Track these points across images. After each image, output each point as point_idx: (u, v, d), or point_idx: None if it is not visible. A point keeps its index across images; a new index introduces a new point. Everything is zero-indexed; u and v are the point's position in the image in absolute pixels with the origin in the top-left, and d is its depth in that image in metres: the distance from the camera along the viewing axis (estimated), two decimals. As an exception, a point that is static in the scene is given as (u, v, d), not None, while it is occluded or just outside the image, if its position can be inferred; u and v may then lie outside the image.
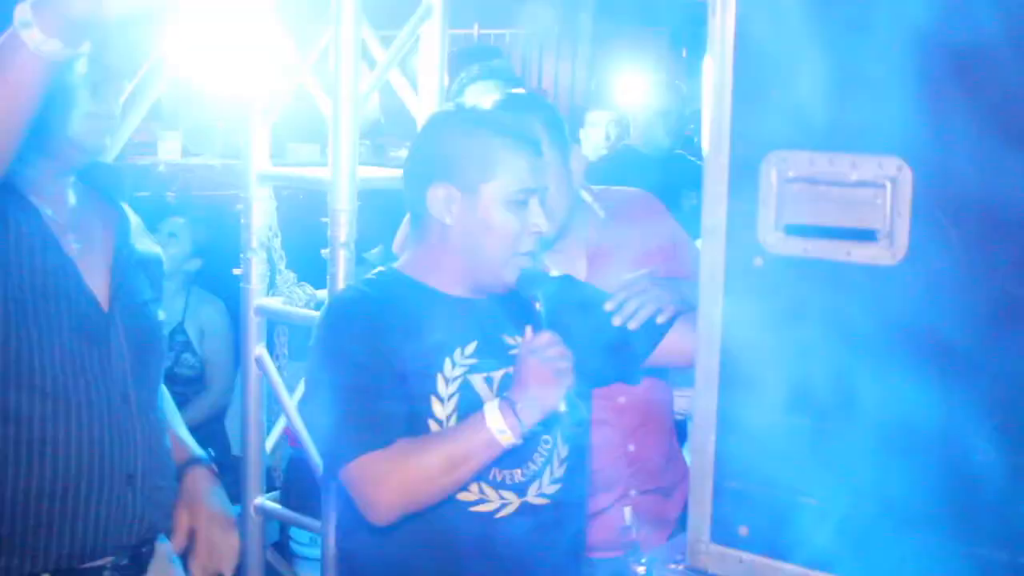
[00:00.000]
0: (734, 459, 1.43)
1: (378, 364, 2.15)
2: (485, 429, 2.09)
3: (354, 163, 2.73)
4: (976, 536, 1.26)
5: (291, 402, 2.97)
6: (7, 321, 1.98)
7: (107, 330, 2.11)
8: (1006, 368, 1.24)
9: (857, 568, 1.33)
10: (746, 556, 1.42)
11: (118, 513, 2.10)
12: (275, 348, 3.10)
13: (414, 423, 2.16)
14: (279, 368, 3.06)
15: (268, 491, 3.12)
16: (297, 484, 3.04)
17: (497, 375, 2.25)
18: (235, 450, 3.69)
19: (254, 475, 3.06)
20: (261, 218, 2.99)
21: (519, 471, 2.23)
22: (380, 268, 2.37)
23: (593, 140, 6.32)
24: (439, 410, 2.19)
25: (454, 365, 2.22)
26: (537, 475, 2.24)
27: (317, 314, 2.83)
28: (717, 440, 1.44)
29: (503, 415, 2.09)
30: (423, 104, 3.01)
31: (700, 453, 1.45)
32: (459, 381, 2.22)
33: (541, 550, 2.19)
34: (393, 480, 2.10)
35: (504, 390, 2.19)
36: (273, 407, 3.11)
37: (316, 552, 3.07)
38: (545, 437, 2.21)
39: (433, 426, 2.18)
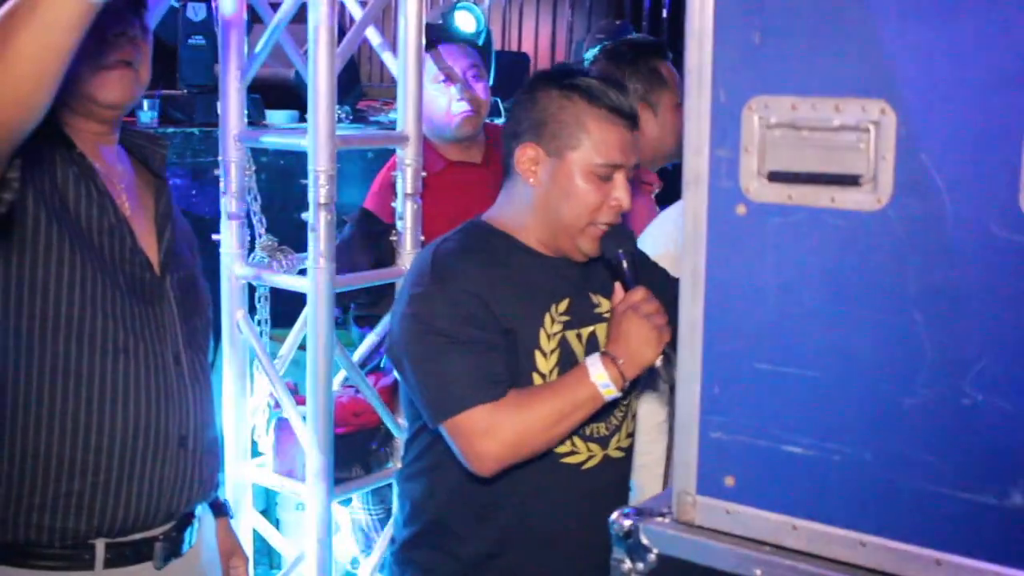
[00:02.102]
0: (719, 410, 1.42)
1: (488, 318, 2.21)
2: (590, 383, 2.18)
3: (332, 124, 2.70)
4: (964, 480, 1.25)
5: (274, 367, 2.95)
6: (68, 278, 1.96)
7: (160, 293, 2.10)
8: (992, 311, 1.23)
9: (846, 515, 1.32)
10: (733, 507, 1.41)
11: (172, 476, 2.11)
12: (256, 313, 3.08)
13: (519, 376, 2.23)
14: (260, 334, 3.04)
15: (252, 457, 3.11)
16: (280, 450, 3.03)
17: (586, 332, 2.33)
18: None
19: (237, 441, 3.04)
20: (239, 182, 2.96)
21: (603, 425, 2.34)
22: (470, 222, 2.41)
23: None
24: (543, 364, 2.27)
25: (553, 321, 2.29)
26: (617, 429, 2.35)
27: (299, 279, 2.83)
28: (702, 391, 1.43)
29: (607, 369, 2.17)
30: (404, 66, 2.97)
31: (685, 404, 1.44)
32: (558, 337, 2.29)
33: (617, 501, 2.23)
34: (505, 432, 2.17)
35: (592, 348, 2.28)
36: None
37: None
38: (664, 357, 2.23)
39: (537, 380, 2.26)
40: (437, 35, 3.60)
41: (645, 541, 1.45)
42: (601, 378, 2.16)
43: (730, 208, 1.39)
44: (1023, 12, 1.18)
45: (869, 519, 1.31)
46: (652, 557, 1.44)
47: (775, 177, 1.35)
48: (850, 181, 1.30)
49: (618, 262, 2.24)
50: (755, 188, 1.37)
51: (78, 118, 2.06)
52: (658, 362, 2.19)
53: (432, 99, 3.48)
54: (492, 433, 2.17)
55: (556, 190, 2.26)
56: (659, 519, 1.46)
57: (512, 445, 2.18)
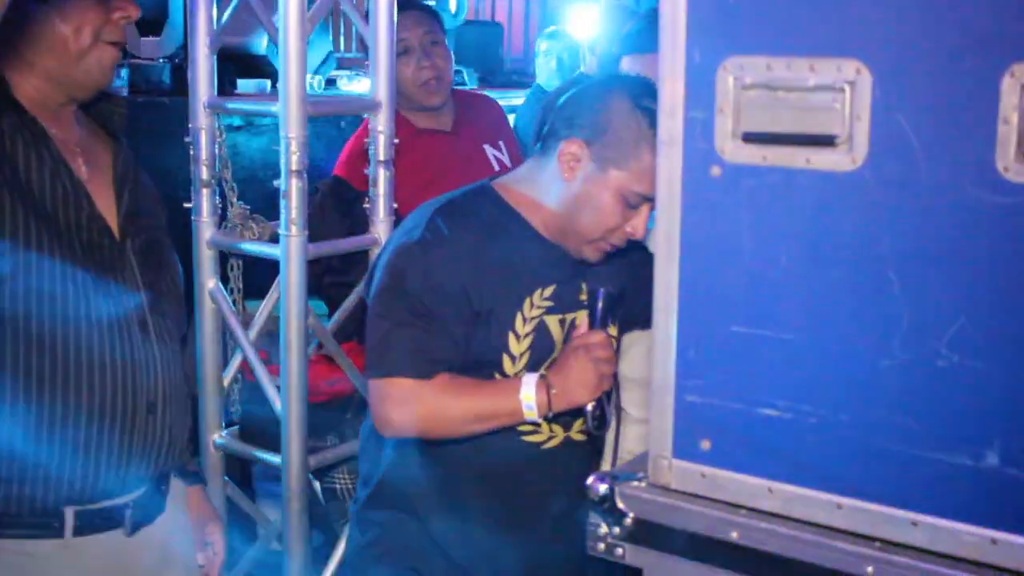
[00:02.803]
0: (694, 373, 1.41)
1: (459, 297, 2.21)
2: (516, 398, 2.19)
3: (303, 90, 2.68)
4: (940, 441, 1.25)
5: (246, 336, 2.93)
6: (23, 247, 1.93)
7: (121, 259, 2.07)
8: (967, 272, 1.22)
9: (822, 478, 1.32)
10: (708, 470, 1.40)
11: (141, 442, 2.09)
12: (229, 282, 3.05)
13: (489, 353, 2.24)
14: (233, 303, 3.02)
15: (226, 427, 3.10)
16: (254, 419, 3.01)
17: (569, 317, 2.33)
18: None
19: (212, 411, 3.03)
20: (210, 149, 2.93)
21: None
22: (479, 185, 2.39)
23: (546, 69, 6.26)
24: (515, 346, 2.27)
25: (532, 305, 2.28)
26: (581, 413, 2.29)
27: (271, 247, 2.81)
28: (677, 354, 1.42)
29: (536, 392, 2.19)
30: (375, 33, 2.95)
31: (660, 368, 1.43)
32: (536, 321, 2.29)
33: (574, 479, 2.24)
34: (418, 410, 2.20)
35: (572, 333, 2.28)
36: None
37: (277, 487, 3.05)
38: (597, 404, 2.25)
39: (507, 361, 2.26)
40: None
41: (621, 505, 1.44)
42: (528, 399, 2.19)
43: (704, 169, 1.38)
44: (998, -29, 1.18)
45: (845, 481, 1.31)
46: (628, 521, 1.44)
47: (750, 138, 1.34)
48: (825, 142, 1.29)
49: (594, 299, 2.26)
50: (730, 149, 1.35)
51: (44, 84, 2.01)
52: (588, 407, 2.22)
53: (396, 69, 3.45)
54: (406, 406, 2.21)
55: (584, 196, 2.24)
56: (635, 483, 1.45)
57: (420, 423, 2.22)
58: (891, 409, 1.28)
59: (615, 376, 2.28)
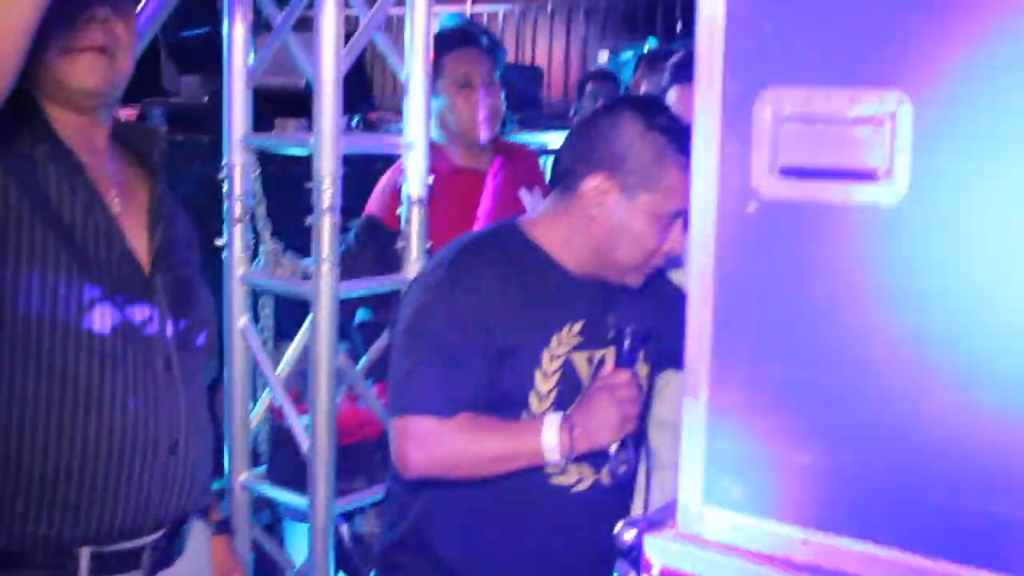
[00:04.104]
0: (727, 417, 1.36)
1: (479, 335, 2.17)
2: (538, 440, 2.15)
3: (338, 127, 2.66)
4: (982, 491, 1.19)
5: (276, 376, 2.90)
6: (51, 279, 1.91)
7: (150, 295, 2.04)
8: (1013, 312, 1.16)
9: (859, 527, 1.26)
10: (740, 518, 1.35)
11: (161, 483, 2.04)
12: (259, 320, 3.03)
13: (516, 393, 2.21)
14: (264, 340, 2.99)
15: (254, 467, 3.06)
16: (282, 460, 2.97)
17: (597, 355, 2.28)
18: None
19: (240, 451, 2.99)
20: (245, 185, 2.91)
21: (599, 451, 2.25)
22: (504, 224, 2.38)
23: (591, 110, 6.25)
24: (541, 384, 2.22)
25: (560, 342, 2.24)
26: (605, 455, 2.25)
27: (303, 284, 2.78)
28: (710, 397, 1.37)
29: (559, 434, 2.14)
30: (410, 75, 2.93)
31: (691, 412, 1.38)
32: (563, 359, 2.25)
33: (603, 523, 2.19)
34: (436, 449, 2.17)
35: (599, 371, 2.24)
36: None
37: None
38: (620, 446, 2.21)
39: (534, 399, 2.22)
40: (458, 39, 3.56)
41: (649, 554, 1.39)
42: (550, 440, 2.14)
43: (740, 206, 1.33)
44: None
45: (883, 531, 1.25)
46: (656, 570, 1.38)
47: (787, 172, 1.30)
48: (866, 176, 1.24)
49: (621, 337, 2.22)
50: (766, 184, 1.31)
51: (61, 110, 2.00)
52: (612, 449, 2.18)
53: (452, 102, 3.46)
54: (425, 446, 2.17)
55: (619, 227, 2.22)
56: (663, 531, 1.40)
57: (440, 464, 2.18)
58: (932, 456, 1.22)
59: (644, 417, 2.24)
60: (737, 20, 1.32)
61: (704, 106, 1.35)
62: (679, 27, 9.21)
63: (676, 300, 2.15)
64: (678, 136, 2.17)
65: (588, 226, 2.24)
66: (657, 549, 1.38)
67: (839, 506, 1.28)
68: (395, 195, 3.03)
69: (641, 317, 2.24)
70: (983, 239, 1.18)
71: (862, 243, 1.25)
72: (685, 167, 2.15)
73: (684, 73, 2.65)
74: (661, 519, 1.42)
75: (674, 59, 2.84)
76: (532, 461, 2.17)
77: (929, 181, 1.20)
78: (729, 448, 1.36)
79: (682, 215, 2.17)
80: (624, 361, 2.21)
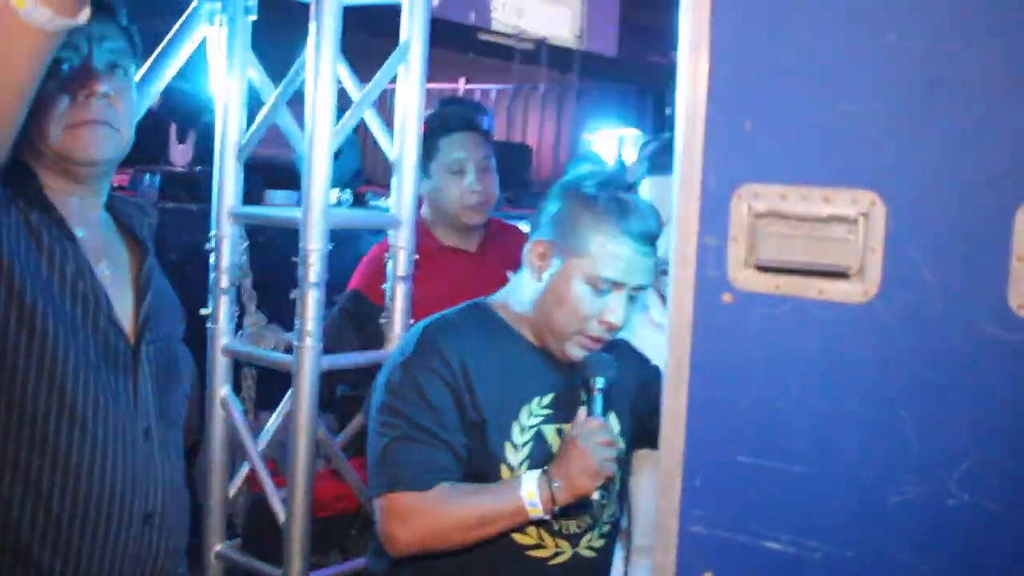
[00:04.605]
0: (699, 503, 1.38)
1: (448, 408, 2.21)
2: (518, 497, 2.18)
3: (326, 201, 2.70)
4: (948, 583, 1.22)
5: (255, 446, 2.91)
6: (38, 344, 1.93)
7: (134, 364, 2.06)
8: (979, 409, 1.20)
9: (824, 616, 1.28)
10: (711, 603, 1.37)
11: (135, 553, 2.05)
12: (241, 391, 3.04)
13: (488, 465, 2.23)
14: (244, 412, 3.00)
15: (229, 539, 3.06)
16: (258, 531, 2.97)
17: (567, 427, 2.30)
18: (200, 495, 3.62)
19: (216, 520, 2.99)
20: (231, 257, 2.95)
21: (575, 522, 2.31)
22: (472, 302, 2.44)
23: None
24: (512, 456, 2.26)
25: (530, 415, 2.28)
26: (590, 528, 2.31)
27: (285, 358, 2.80)
28: (684, 483, 1.39)
29: (539, 488, 2.17)
30: (401, 151, 2.98)
31: (666, 496, 1.40)
32: (533, 430, 2.28)
33: None
34: (419, 523, 2.19)
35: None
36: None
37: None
38: (603, 493, 2.23)
39: (505, 471, 2.26)
40: (455, 123, 3.61)
41: (621, 637, 1.40)
42: (531, 496, 2.17)
43: (716, 296, 1.37)
44: (1011, 113, 1.17)
45: (850, 621, 1.27)
46: (627, 653, 1.40)
47: (763, 267, 1.33)
48: (838, 273, 1.28)
49: (589, 388, 2.24)
50: (742, 277, 1.34)
51: (59, 180, 2.04)
52: (595, 495, 2.19)
53: (444, 186, 3.51)
54: (408, 520, 2.19)
55: (554, 291, 2.28)
56: (636, 614, 1.42)
57: (424, 536, 2.20)
58: (898, 547, 1.24)
59: (623, 494, 2.26)
60: (717, 117, 1.36)
61: (683, 199, 1.39)
62: (668, 111, 9.32)
63: (655, 380, 2.19)
64: (611, 204, 2.24)
65: (531, 292, 2.32)
66: (628, 632, 1.40)
67: (807, 594, 1.30)
68: (381, 270, 3.06)
69: (606, 371, 2.26)
70: (950, 336, 1.22)
71: (834, 337, 1.28)
72: (615, 233, 2.22)
73: (658, 164, 2.70)
74: (633, 602, 1.44)
75: (648, 150, 2.89)
76: (515, 521, 2.19)
77: (899, 280, 1.24)
78: (701, 534, 1.38)
79: (619, 286, 2.23)
80: (594, 412, 2.23)
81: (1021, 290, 1.16)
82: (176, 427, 2.19)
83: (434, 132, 3.50)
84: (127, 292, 2.12)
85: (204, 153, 5.18)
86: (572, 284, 2.25)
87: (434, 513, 2.19)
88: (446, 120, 3.65)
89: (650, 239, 2.25)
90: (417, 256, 3.02)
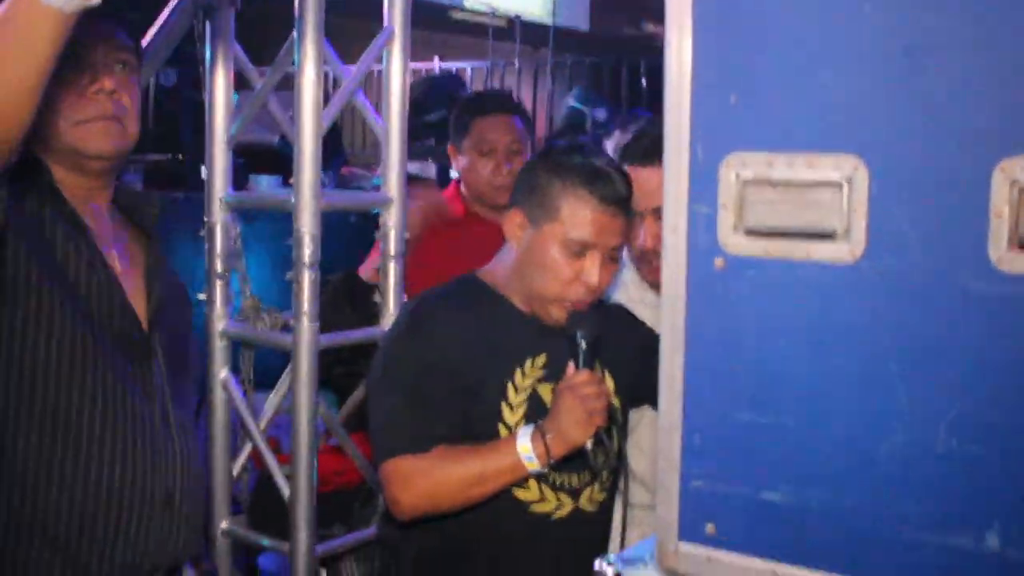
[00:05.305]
0: (700, 458, 1.44)
1: (441, 374, 2.29)
2: (515, 452, 2.23)
3: (317, 184, 2.74)
4: (940, 525, 1.28)
5: (256, 426, 2.96)
6: (57, 334, 1.97)
7: (148, 350, 2.11)
8: (964, 360, 1.26)
9: (825, 561, 1.35)
10: (714, 554, 1.43)
11: (156, 534, 2.10)
12: (240, 373, 3.09)
13: (485, 426, 2.32)
14: (244, 392, 3.06)
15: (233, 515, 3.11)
16: (263, 507, 3.03)
17: None
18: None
19: (221, 499, 3.04)
20: (225, 243, 2.99)
21: (575, 476, 2.37)
22: (464, 275, 2.51)
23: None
24: (509, 416, 2.33)
25: (524, 375, 2.36)
26: (590, 483, 2.38)
27: (282, 337, 2.85)
28: (683, 440, 1.45)
29: (533, 443, 2.23)
30: (388, 130, 3.02)
31: (666, 453, 1.46)
32: (528, 391, 2.36)
33: (586, 552, 2.26)
34: (420, 485, 2.25)
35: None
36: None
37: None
38: (608, 440, 2.29)
39: (503, 431, 2.32)
40: (491, 105, 3.73)
41: (628, 589, 1.47)
42: (525, 450, 2.22)
43: (708, 262, 1.42)
44: (993, 75, 1.23)
45: (848, 564, 1.34)
46: (635, 605, 1.46)
47: (752, 232, 1.39)
48: (824, 235, 1.34)
49: (574, 343, 2.29)
50: (733, 242, 1.40)
51: (69, 174, 2.09)
52: (588, 444, 2.24)
53: (474, 165, 3.64)
54: (409, 484, 2.26)
55: (532, 258, 2.35)
56: (641, 567, 1.48)
57: (425, 497, 2.27)
58: (891, 493, 1.31)
59: (622, 453, 2.32)
60: (703, 90, 1.41)
61: (673, 169, 1.45)
62: (644, 86, 9.36)
63: (651, 339, 2.25)
64: (578, 169, 2.32)
65: (515, 262, 2.40)
66: (635, 585, 1.46)
67: (806, 540, 1.36)
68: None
69: (594, 325, 2.32)
70: (934, 292, 1.28)
71: (823, 297, 1.34)
72: (585, 197, 2.28)
73: (631, 154, 2.76)
74: (639, 555, 1.51)
75: (624, 140, 2.94)
76: (514, 476, 2.25)
77: (884, 240, 1.30)
78: (702, 488, 1.44)
79: (592, 247, 2.29)
80: (581, 365, 2.28)
81: (1000, 245, 1.23)
82: (191, 411, 2.25)
83: (469, 111, 3.67)
84: (138, 282, 2.17)
85: (186, 143, 5.22)
86: (548, 249, 2.31)
87: (433, 475, 2.25)
88: (483, 102, 3.80)
89: (619, 200, 2.31)
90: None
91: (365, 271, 3.26)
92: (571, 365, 2.29)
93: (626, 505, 2.34)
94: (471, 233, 3.55)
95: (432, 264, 3.12)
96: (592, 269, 2.30)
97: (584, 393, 2.23)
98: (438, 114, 6.29)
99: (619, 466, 2.36)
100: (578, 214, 2.29)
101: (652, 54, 9.36)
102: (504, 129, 3.64)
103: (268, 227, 4.11)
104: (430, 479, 2.25)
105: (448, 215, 3.68)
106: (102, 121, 2.08)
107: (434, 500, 2.28)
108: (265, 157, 4.88)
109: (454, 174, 3.81)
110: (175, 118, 5.09)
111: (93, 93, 2.07)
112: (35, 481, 1.99)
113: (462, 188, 3.73)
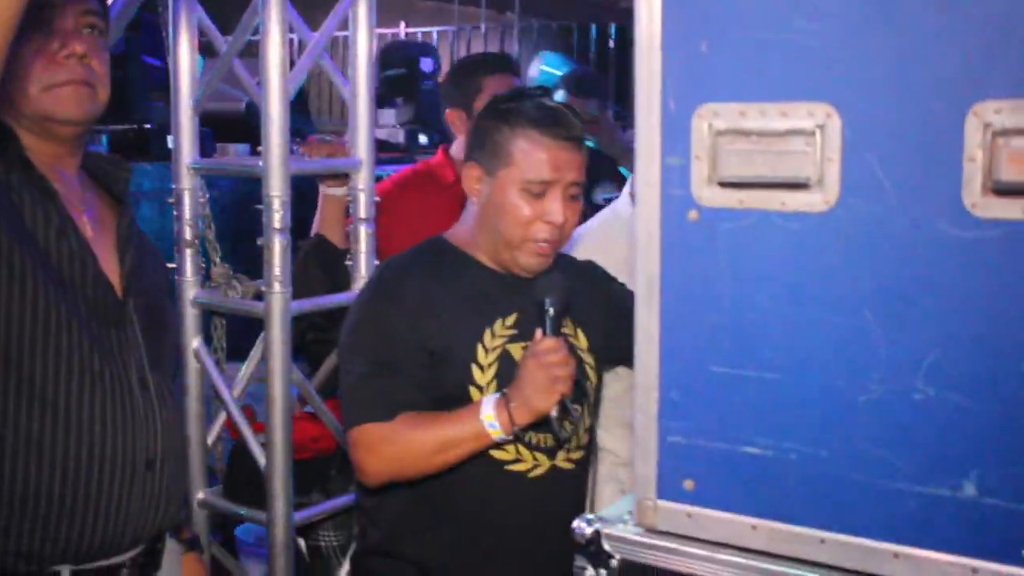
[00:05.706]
0: (678, 414, 1.43)
1: (409, 338, 2.29)
2: (479, 420, 2.22)
3: (285, 148, 2.72)
4: (918, 473, 1.28)
5: (230, 395, 2.95)
6: (30, 302, 1.95)
7: (123, 317, 2.09)
8: (940, 306, 1.25)
9: (804, 513, 1.34)
10: (693, 510, 1.42)
11: (139, 500, 2.08)
12: (212, 341, 3.07)
13: (456, 388, 2.31)
14: (216, 362, 3.04)
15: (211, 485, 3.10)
16: (239, 477, 3.02)
17: None
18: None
19: (197, 469, 3.03)
20: (194, 210, 2.96)
21: (549, 435, 2.35)
22: (431, 238, 2.50)
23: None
24: (479, 377, 2.32)
25: (493, 336, 2.35)
26: (566, 441, 2.36)
27: (254, 305, 2.83)
28: (660, 396, 1.44)
29: (496, 411, 2.22)
30: (355, 94, 3.00)
31: (643, 410, 1.45)
32: (498, 351, 2.34)
33: (564, 510, 2.25)
34: (385, 451, 2.26)
35: None
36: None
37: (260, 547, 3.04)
38: (575, 406, 2.28)
39: (474, 392, 2.31)
40: (500, 64, 3.85)
41: (607, 547, 1.46)
42: (489, 418, 2.22)
43: (682, 214, 1.41)
44: (963, 20, 1.22)
45: (827, 516, 1.33)
46: (614, 563, 1.45)
47: (726, 183, 1.38)
48: (798, 184, 1.32)
49: (542, 310, 2.28)
50: (706, 194, 1.39)
51: (38, 140, 2.05)
52: (553, 412, 2.23)
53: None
54: (374, 450, 2.27)
55: (493, 207, 2.34)
56: (620, 525, 1.47)
57: (390, 464, 2.28)
58: (870, 443, 1.30)
59: (596, 411, 2.32)
60: (674, 40, 1.39)
61: (645, 122, 1.43)
62: (612, 46, 9.32)
63: (623, 297, 2.24)
64: (523, 111, 2.33)
65: (477, 216, 2.39)
66: (615, 542, 1.45)
67: (785, 494, 1.36)
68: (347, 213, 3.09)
69: (563, 292, 2.30)
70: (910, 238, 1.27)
71: (798, 246, 1.33)
72: (535, 136, 2.28)
73: (573, 87, 2.76)
74: (618, 513, 1.50)
75: (569, 74, 2.95)
76: (479, 443, 2.24)
77: (858, 187, 1.29)
78: (680, 444, 1.43)
79: (551, 184, 2.29)
80: (548, 332, 2.27)
81: (974, 190, 1.22)
82: (169, 375, 2.23)
83: (478, 71, 3.69)
84: (110, 248, 2.14)
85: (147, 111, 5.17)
86: (507, 195, 2.31)
87: (398, 442, 2.26)
88: (489, 61, 3.88)
89: (569, 134, 2.31)
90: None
91: (321, 228, 3.24)
92: (538, 332, 2.28)
93: (597, 468, 2.35)
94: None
95: (425, 231, 3.09)
96: (553, 205, 2.30)
97: (549, 361, 2.21)
98: (396, 71, 6.27)
99: (589, 439, 2.37)
100: (530, 155, 2.29)
101: (621, 17, 9.33)
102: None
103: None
104: (395, 446, 2.26)
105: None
106: (73, 86, 2.05)
107: (399, 466, 2.28)
108: (232, 127, 4.83)
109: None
110: (125, 85, 5.01)
111: (64, 58, 2.04)
112: (13, 451, 1.96)
113: (452, 153, 3.68)
